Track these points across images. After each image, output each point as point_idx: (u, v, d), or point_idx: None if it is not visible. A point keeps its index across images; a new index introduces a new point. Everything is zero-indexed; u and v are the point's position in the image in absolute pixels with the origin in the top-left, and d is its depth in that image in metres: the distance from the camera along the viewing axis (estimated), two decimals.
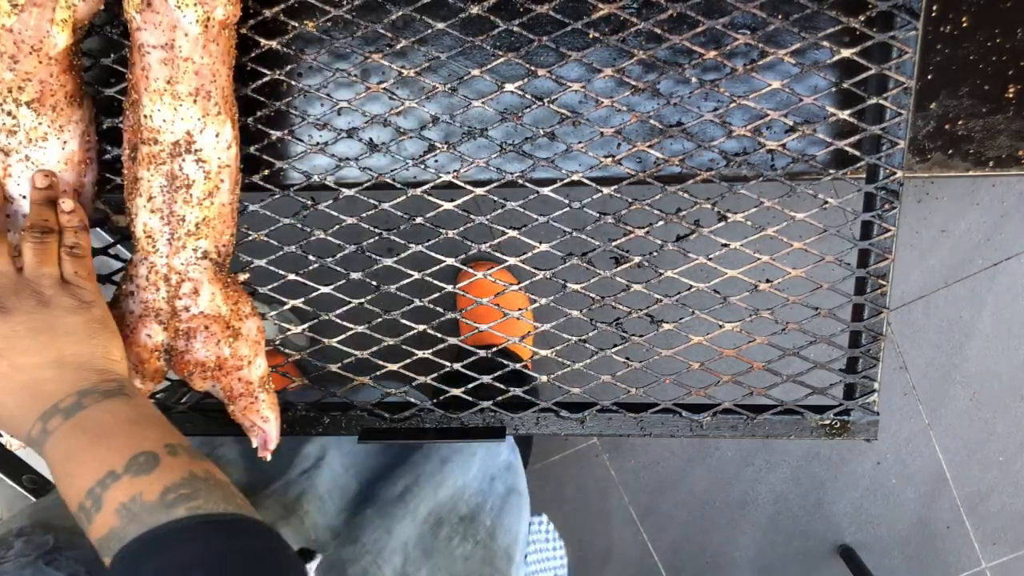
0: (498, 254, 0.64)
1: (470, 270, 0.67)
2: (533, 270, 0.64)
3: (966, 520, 1.71)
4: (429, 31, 0.60)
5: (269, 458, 0.64)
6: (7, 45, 0.52)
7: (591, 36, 0.60)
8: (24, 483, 1.15)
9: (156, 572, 0.43)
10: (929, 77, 0.66)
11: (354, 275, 0.64)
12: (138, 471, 0.46)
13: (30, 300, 0.51)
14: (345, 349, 0.65)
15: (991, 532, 1.72)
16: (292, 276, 0.64)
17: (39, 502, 0.71)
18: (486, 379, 0.65)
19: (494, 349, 0.68)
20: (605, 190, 0.62)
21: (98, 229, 0.64)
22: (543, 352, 0.66)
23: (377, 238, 0.64)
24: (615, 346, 0.65)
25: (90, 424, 0.48)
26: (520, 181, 0.63)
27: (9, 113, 0.53)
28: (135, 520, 0.44)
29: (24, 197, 0.56)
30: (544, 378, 0.66)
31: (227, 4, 0.54)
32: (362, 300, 0.64)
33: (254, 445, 0.64)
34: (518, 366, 0.66)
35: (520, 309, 0.66)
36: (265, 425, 0.63)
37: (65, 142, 0.56)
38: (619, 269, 0.63)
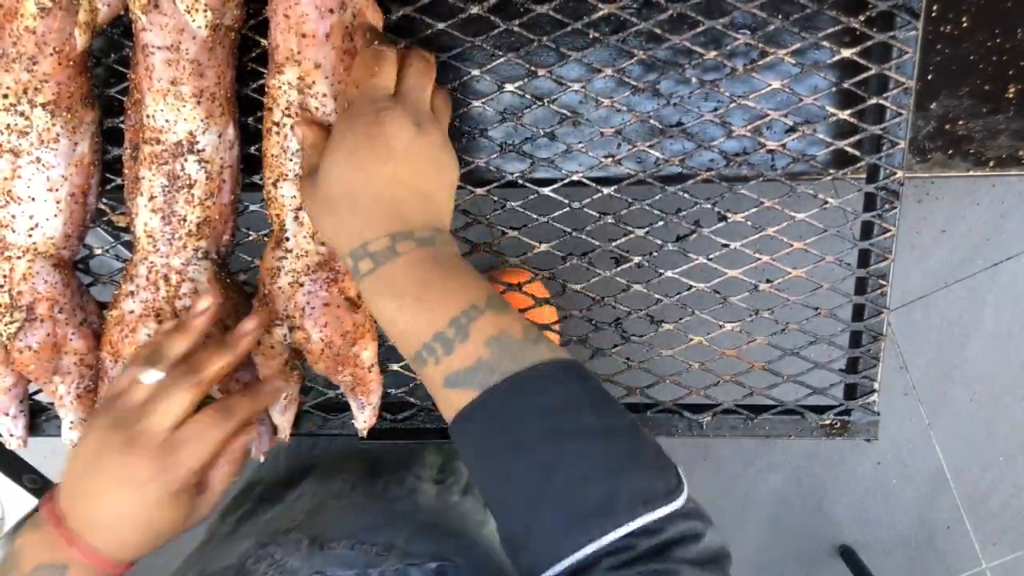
0: (524, 266, 0.64)
1: (500, 282, 0.66)
2: (533, 270, 0.64)
3: (966, 520, 1.72)
4: (429, 31, 0.60)
5: (263, 459, 0.64)
6: (28, 47, 0.52)
7: (591, 36, 0.60)
8: (25, 483, 1.15)
9: (539, 404, 0.43)
10: (929, 77, 0.66)
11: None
12: (497, 309, 0.46)
13: (431, 126, 0.49)
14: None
15: (991, 532, 1.72)
16: None
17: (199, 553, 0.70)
18: None
19: None
20: (605, 190, 0.62)
21: (98, 229, 0.64)
22: None
23: None
24: (615, 346, 0.65)
25: (441, 261, 0.47)
26: (520, 181, 0.63)
27: (22, 114, 0.53)
28: (507, 353, 0.44)
29: (33, 199, 0.56)
30: None
31: (235, 9, 0.54)
32: None
33: (249, 447, 0.64)
34: None
35: (552, 323, 0.66)
36: (261, 427, 0.63)
37: (76, 144, 0.56)
38: (619, 269, 0.63)
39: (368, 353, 0.59)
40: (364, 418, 0.62)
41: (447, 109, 0.53)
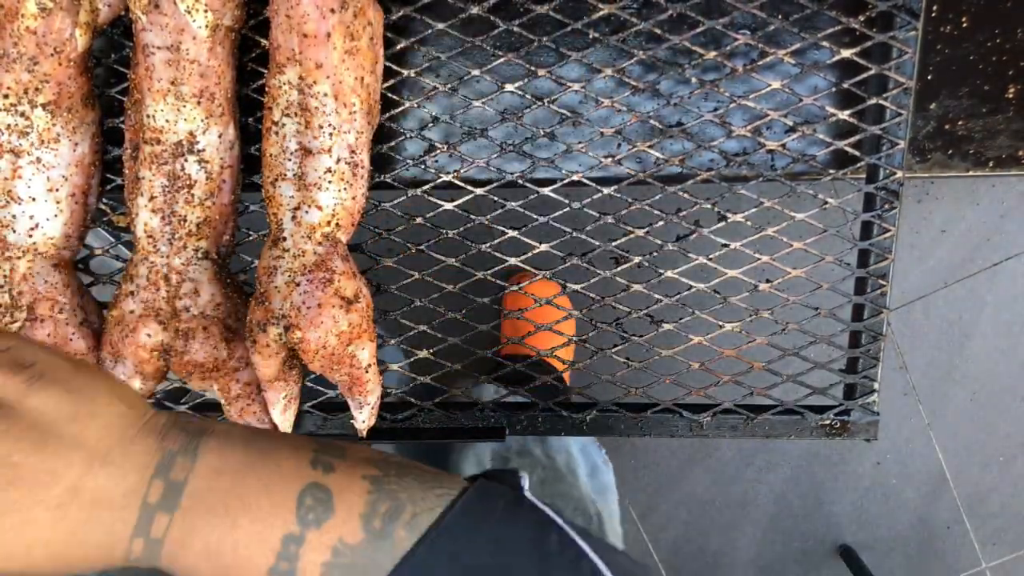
0: (527, 267, 0.64)
1: (514, 288, 0.64)
2: (533, 270, 0.64)
3: (966, 520, 1.72)
4: (429, 31, 0.60)
5: None
6: (29, 47, 0.52)
7: (591, 36, 0.60)
8: None
9: None
10: (929, 77, 0.66)
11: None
12: (319, 514, 0.35)
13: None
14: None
15: (991, 532, 1.72)
16: None
17: None
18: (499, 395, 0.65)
19: (527, 361, 0.67)
20: (605, 190, 0.62)
21: (99, 229, 0.64)
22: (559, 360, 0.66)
23: (377, 239, 0.64)
24: (615, 346, 0.65)
25: (207, 497, 0.35)
26: (520, 181, 0.63)
27: (23, 114, 0.53)
28: (356, 572, 0.35)
29: (33, 200, 0.56)
30: (565, 385, 0.66)
31: (235, 10, 0.54)
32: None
33: None
34: (551, 379, 0.66)
35: (558, 320, 0.65)
36: (260, 427, 0.63)
37: (76, 144, 0.56)
38: (619, 269, 0.63)
39: (365, 353, 0.59)
40: (363, 418, 0.62)
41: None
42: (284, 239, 0.56)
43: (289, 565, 0.35)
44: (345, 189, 0.55)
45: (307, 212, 0.55)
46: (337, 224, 0.56)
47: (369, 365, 0.60)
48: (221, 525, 0.35)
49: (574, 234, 0.64)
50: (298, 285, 0.55)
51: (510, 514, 0.37)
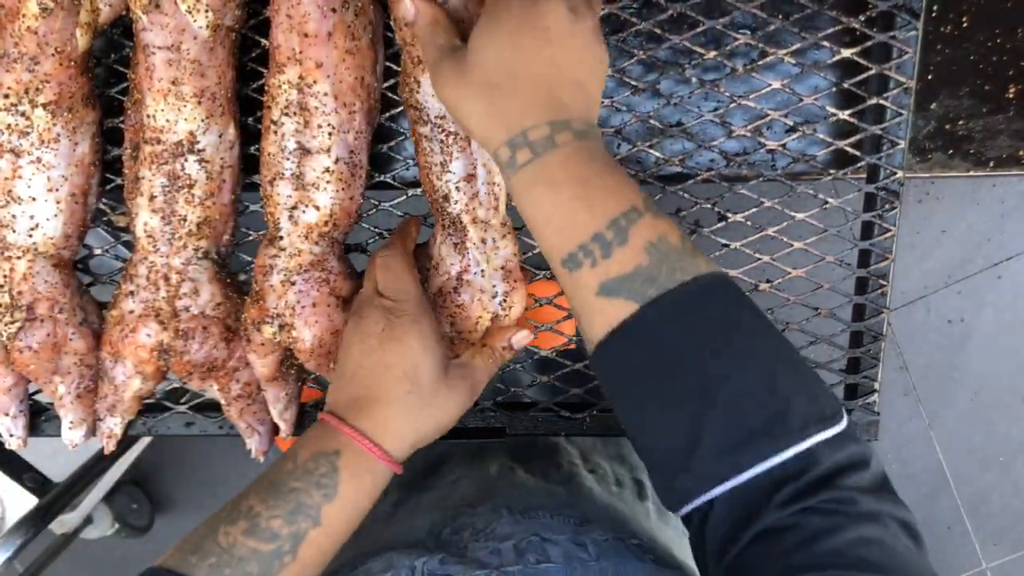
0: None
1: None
2: (533, 270, 0.64)
3: (966, 520, 1.72)
4: None
5: (262, 460, 0.64)
6: (30, 47, 0.52)
7: None
8: (25, 482, 1.15)
9: (704, 324, 0.41)
10: (929, 77, 0.66)
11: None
12: (655, 213, 0.43)
13: (587, 9, 0.45)
14: None
15: (992, 532, 1.72)
16: None
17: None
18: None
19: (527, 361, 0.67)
20: None
21: (98, 229, 0.64)
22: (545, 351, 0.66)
23: (377, 239, 0.64)
24: None
25: (597, 157, 0.44)
26: None
27: (23, 114, 0.53)
28: (667, 262, 0.42)
29: (33, 199, 0.56)
30: (545, 378, 0.66)
31: (236, 10, 0.54)
32: None
33: (248, 447, 0.64)
34: (580, 366, 0.66)
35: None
36: (261, 427, 0.63)
37: (77, 144, 0.56)
38: None
39: None
40: None
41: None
42: (281, 238, 0.56)
43: (627, 225, 0.42)
44: (343, 189, 0.55)
45: (304, 212, 0.55)
46: (334, 224, 0.56)
47: None
48: (571, 183, 0.43)
49: None
50: (293, 284, 0.55)
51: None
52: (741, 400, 0.40)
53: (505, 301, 0.57)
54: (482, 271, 0.57)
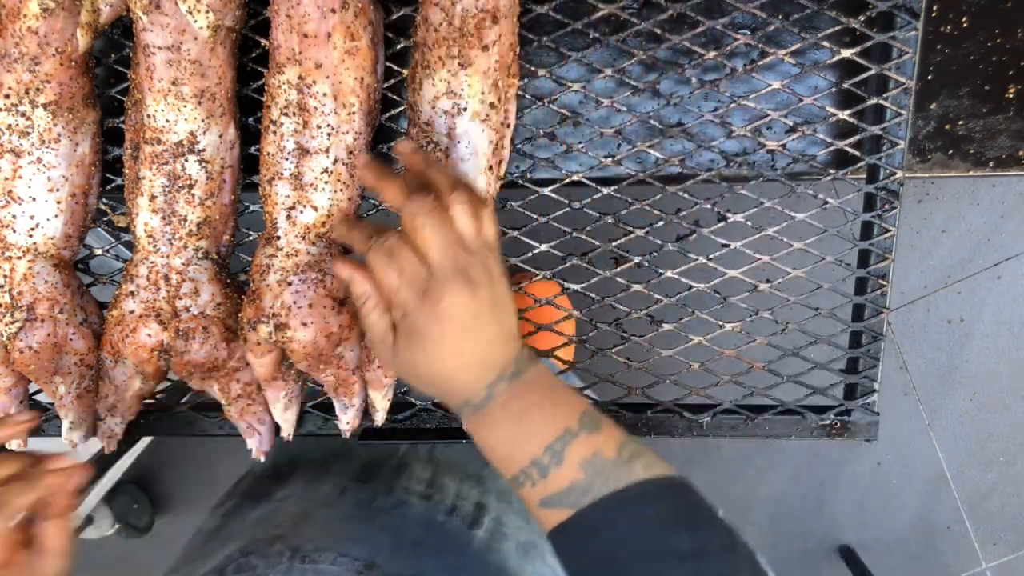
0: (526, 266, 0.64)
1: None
2: (533, 270, 0.64)
3: (966, 520, 1.72)
4: None
5: (263, 459, 0.64)
6: (30, 47, 0.52)
7: (591, 36, 0.60)
8: None
9: (632, 526, 0.45)
10: (929, 77, 0.66)
11: None
12: (590, 429, 0.48)
13: (481, 271, 0.48)
14: None
15: (991, 532, 1.72)
16: None
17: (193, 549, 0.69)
18: None
19: None
20: (605, 190, 0.62)
21: (99, 229, 0.64)
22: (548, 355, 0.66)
23: None
24: (615, 346, 0.65)
25: (533, 387, 0.50)
26: (520, 181, 0.63)
27: (24, 114, 0.53)
28: (600, 475, 0.46)
29: (34, 200, 0.56)
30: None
31: (236, 10, 0.54)
32: None
33: (249, 447, 0.64)
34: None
35: (560, 319, 0.66)
36: (261, 427, 0.63)
37: (77, 144, 0.56)
38: (619, 269, 0.63)
39: (352, 354, 0.59)
40: (347, 419, 0.62)
41: (493, 227, 0.50)
42: (278, 238, 0.56)
43: (562, 447, 0.47)
44: (341, 190, 0.55)
45: (302, 212, 0.55)
46: (332, 225, 0.56)
47: (356, 367, 0.60)
48: (508, 421, 0.49)
49: (574, 234, 0.64)
50: (290, 284, 0.55)
51: (709, 509, 0.48)
52: None
53: None
54: None
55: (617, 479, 0.46)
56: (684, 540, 0.45)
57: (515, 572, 0.66)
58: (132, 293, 0.58)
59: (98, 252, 0.65)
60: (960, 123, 0.67)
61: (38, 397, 0.65)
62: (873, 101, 0.60)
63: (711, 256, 0.63)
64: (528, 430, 0.49)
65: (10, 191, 0.55)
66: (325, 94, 0.53)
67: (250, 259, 0.59)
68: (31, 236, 0.56)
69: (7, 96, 0.53)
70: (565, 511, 0.47)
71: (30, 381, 0.61)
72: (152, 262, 0.57)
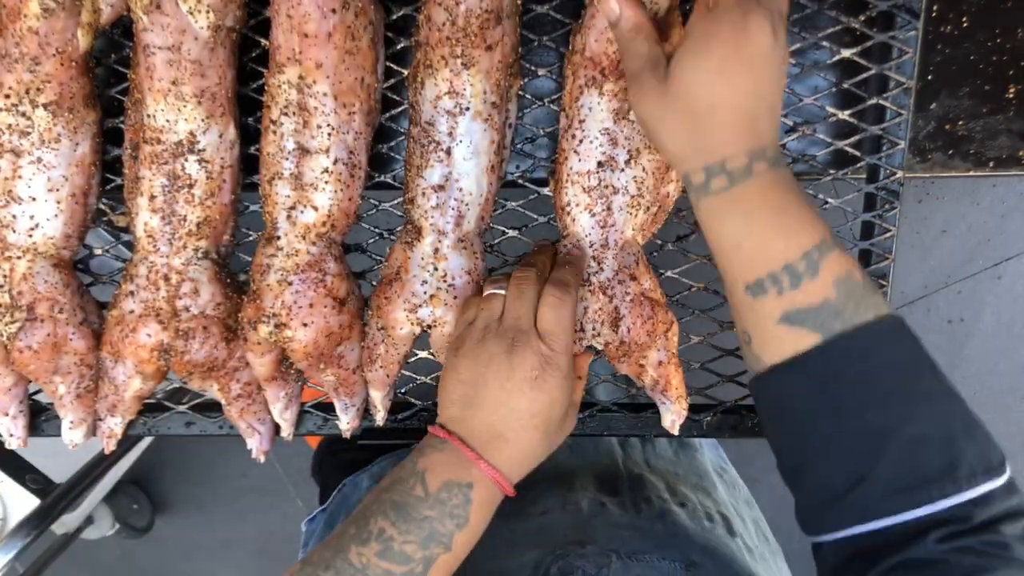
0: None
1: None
2: None
3: None
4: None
5: (263, 460, 0.64)
6: (31, 47, 0.52)
7: None
8: (27, 483, 1.15)
9: (883, 362, 0.43)
10: (929, 77, 0.66)
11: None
12: (841, 247, 0.45)
13: (782, 27, 0.46)
14: None
15: None
16: None
17: None
18: None
19: None
20: None
21: (99, 229, 0.64)
22: None
23: (377, 239, 0.64)
24: None
25: (790, 185, 0.46)
26: (520, 181, 0.63)
27: (24, 114, 0.53)
28: (851, 299, 0.43)
29: (34, 199, 0.56)
30: None
31: (237, 10, 0.54)
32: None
33: (249, 447, 0.64)
34: None
35: None
36: (261, 427, 0.63)
37: (77, 144, 0.56)
38: None
39: (353, 354, 0.59)
40: (348, 420, 0.62)
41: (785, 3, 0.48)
42: (278, 238, 0.56)
43: (819, 257, 0.44)
44: (342, 190, 0.56)
45: (302, 212, 0.55)
46: (332, 225, 0.56)
47: (356, 367, 0.60)
48: (766, 211, 0.45)
49: None
50: (290, 284, 0.55)
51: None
52: (917, 446, 0.42)
53: (433, 314, 0.57)
54: (423, 280, 0.57)
55: (867, 308, 0.43)
56: (929, 380, 0.43)
57: None
58: (132, 293, 0.58)
59: (98, 252, 0.65)
60: (960, 123, 0.67)
61: (38, 397, 0.65)
62: (873, 101, 0.60)
63: (711, 256, 0.63)
64: (786, 230, 0.44)
65: (10, 191, 0.55)
66: (325, 94, 0.53)
67: (250, 259, 0.59)
68: (31, 236, 0.56)
69: (7, 96, 0.53)
70: (812, 335, 0.43)
71: (30, 381, 0.61)
72: (152, 262, 0.57)
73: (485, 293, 0.53)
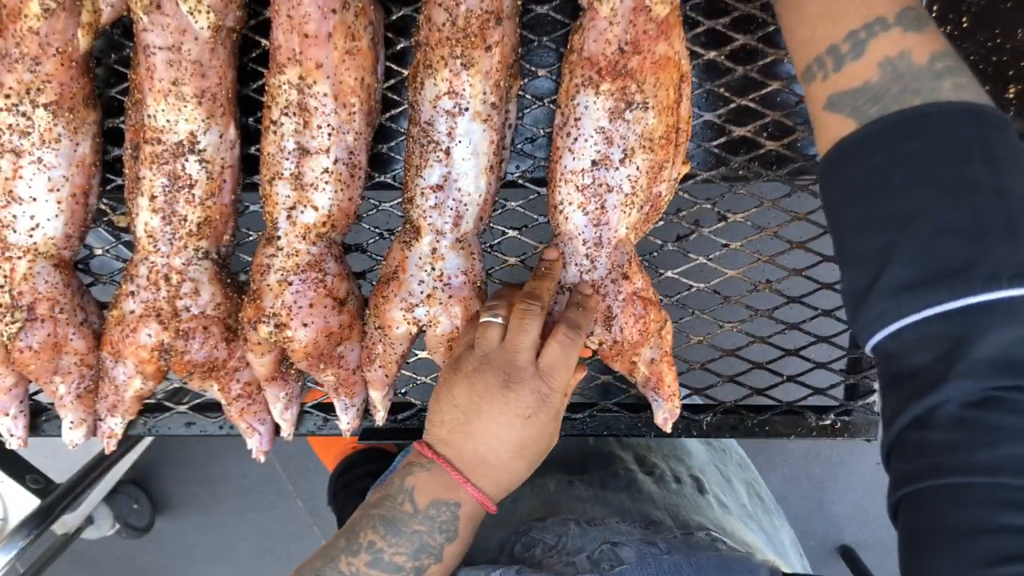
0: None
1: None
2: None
3: None
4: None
5: (262, 460, 0.64)
6: (31, 47, 0.52)
7: None
8: (27, 483, 1.15)
9: (914, 150, 0.39)
10: None
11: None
12: (908, 26, 0.40)
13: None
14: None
15: None
16: None
17: None
18: None
19: None
20: None
21: (99, 229, 0.64)
22: None
23: (378, 239, 0.64)
24: None
25: None
26: (520, 181, 0.63)
27: (24, 114, 0.53)
28: (898, 82, 0.39)
29: (34, 200, 0.56)
30: None
31: (237, 11, 0.54)
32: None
33: (249, 447, 0.64)
34: None
35: None
36: (261, 427, 0.63)
37: (78, 144, 0.56)
38: None
39: (353, 354, 0.59)
40: (348, 419, 0.63)
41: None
42: (278, 238, 0.56)
43: (867, 37, 0.40)
44: (342, 190, 0.56)
45: (303, 212, 0.55)
46: (332, 225, 0.56)
47: (357, 367, 0.60)
48: None
49: None
50: (290, 284, 0.55)
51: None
52: (934, 238, 0.38)
53: (429, 313, 0.57)
54: (420, 279, 0.57)
55: (915, 92, 0.39)
56: (975, 171, 0.38)
57: (744, 531, 0.66)
58: (132, 293, 0.58)
59: (98, 252, 0.65)
60: None
61: (38, 397, 0.65)
62: None
63: (711, 256, 0.63)
64: (836, 9, 0.41)
65: (10, 191, 0.55)
66: (325, 94, 0.53)
67: (250, 259, 0.59)
68: (31, 236, 0.56)
69: (8, 96, 0.53)
70: (848, 122, 0.40)
71: (30, 381, 0.61)
72: (152, 262, 0.57)
73: (482, 320, 0.53)
